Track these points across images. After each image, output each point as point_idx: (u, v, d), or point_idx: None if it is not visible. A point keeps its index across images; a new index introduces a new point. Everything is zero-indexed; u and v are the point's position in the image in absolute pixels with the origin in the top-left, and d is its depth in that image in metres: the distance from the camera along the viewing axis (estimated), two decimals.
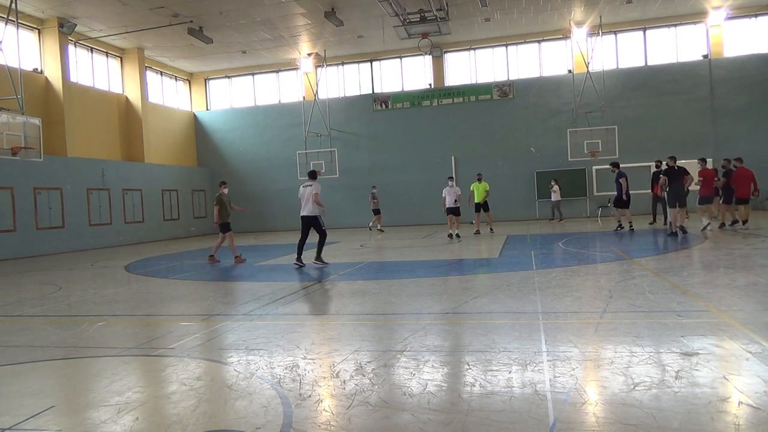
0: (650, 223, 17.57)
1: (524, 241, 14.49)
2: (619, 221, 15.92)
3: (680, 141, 22.51)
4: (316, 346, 4.89)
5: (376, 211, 21.02)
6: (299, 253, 10.97)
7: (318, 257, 11.04)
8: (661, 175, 13.96)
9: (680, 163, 13.72)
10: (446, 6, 19.02)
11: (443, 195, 16.75)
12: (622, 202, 15.52)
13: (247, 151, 27.65)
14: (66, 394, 3.98)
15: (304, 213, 10.82)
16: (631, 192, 15.54)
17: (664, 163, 14.25)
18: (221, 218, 12.60)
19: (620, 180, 15.37)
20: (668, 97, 23.09)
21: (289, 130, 26.82)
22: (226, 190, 12.82)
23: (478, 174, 18.46)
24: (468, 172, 24.31)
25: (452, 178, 18.19)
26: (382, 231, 21.31)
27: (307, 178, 11.25)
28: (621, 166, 16.13)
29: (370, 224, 22.03)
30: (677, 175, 13.05)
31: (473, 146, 24.90)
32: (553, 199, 21.69)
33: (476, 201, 17.85)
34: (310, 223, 10.85)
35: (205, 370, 4.31)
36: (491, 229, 18.11)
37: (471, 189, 18.16)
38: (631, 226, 15.48)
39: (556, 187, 21.63)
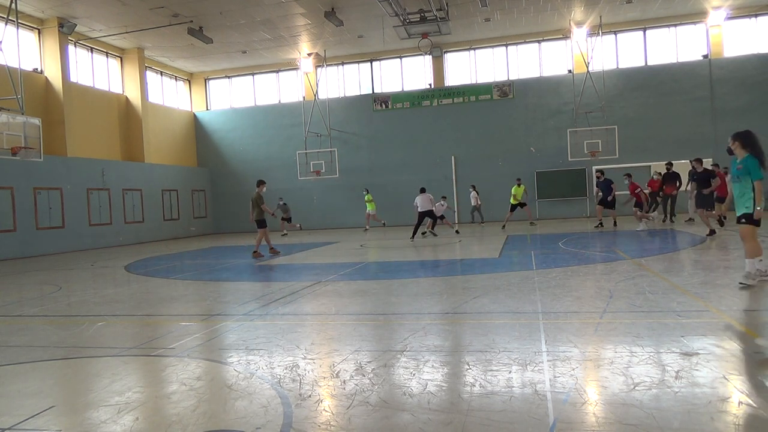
0: (663, 221, 18.09)
1: (524, 241, 14.49)
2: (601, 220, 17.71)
3: (680, 141, 22.51)
4: (316, 346, 4.89)
5: (288, 219, 21.96)
6: (418, 232, 16.19)
7: (431, 230, 17.03)
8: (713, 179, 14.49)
9: (680, 162, 14.19)
10: (446, 6, 19.02)
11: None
12: (609, 203, 17.50)
13: (247, 151, 27.62)
14: (66, 394, 3.98)
15: (423, 209, 15.95)
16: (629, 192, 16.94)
17: (702, 164, 14.91)
18: (258, 215, 13.31)
19: (612, 185, 17.50)
20: (668, 97, 23.07)
21: (289, 130, 26.80)
22: (264, 189, 13.58)
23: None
24: (468, 172, 24.39)
25: (424, 189, 19.00)
26: (286, 234, 21.94)
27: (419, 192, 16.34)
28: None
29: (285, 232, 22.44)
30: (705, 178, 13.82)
31: (473, 146, 24.89)
32: (472, 203, 22.60)
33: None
34: (426, 214, 16.15)
35: (205, 370, 4.31)
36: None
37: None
38: (601, 224, 17.59)
39: (474, 193, 22.55)
